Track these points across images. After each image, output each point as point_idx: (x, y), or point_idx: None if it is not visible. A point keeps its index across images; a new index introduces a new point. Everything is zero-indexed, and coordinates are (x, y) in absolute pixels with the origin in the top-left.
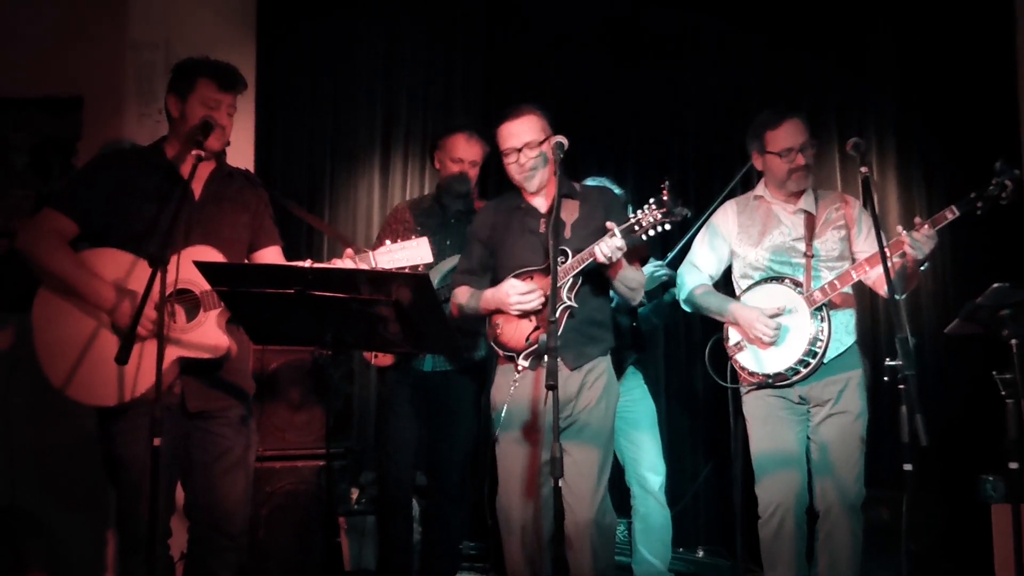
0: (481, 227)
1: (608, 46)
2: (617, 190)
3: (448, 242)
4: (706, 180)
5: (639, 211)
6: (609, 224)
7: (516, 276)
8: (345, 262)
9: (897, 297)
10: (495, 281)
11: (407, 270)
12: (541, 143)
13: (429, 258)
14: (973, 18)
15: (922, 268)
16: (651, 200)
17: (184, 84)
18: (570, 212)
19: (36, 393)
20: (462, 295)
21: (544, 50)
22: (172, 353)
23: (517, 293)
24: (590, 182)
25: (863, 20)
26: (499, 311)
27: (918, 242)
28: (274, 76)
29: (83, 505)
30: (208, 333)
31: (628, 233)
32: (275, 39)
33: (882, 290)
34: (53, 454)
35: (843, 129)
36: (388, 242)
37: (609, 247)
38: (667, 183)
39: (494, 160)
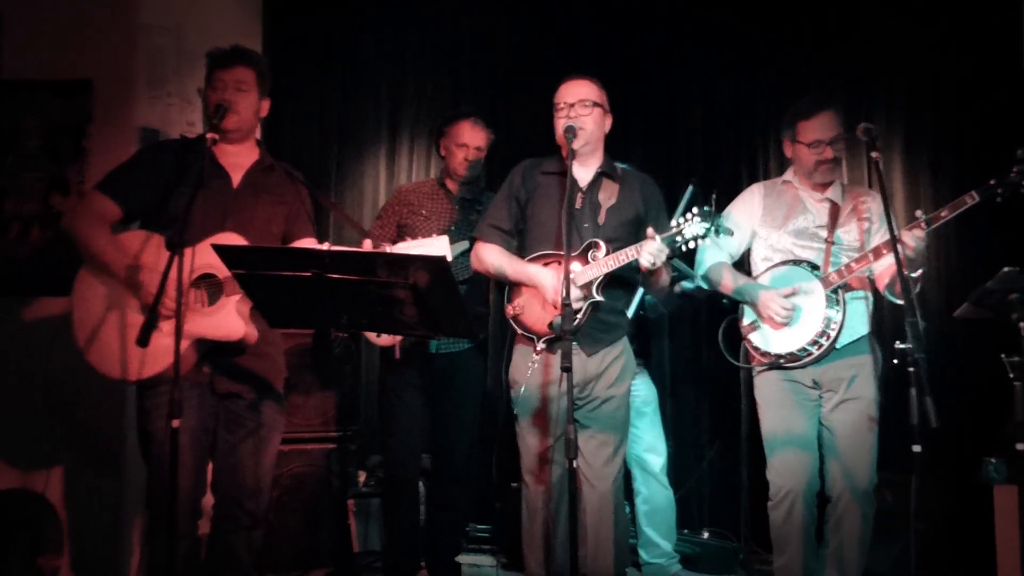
0: (521, 186)
1: (616, 34)
2: None
3: (453, 228)
4: (712, 168)
5: (682, 220)
6: (650, 231)
7: (541, 258)
8: None
9: (898, 301)
10: (522, 243)
11: None
12: (595, 105)
13: (448, 256)
14: (980, 5)
15: (915, 274)
16: (695, 210)
17: (206, 79)
18: (608, 194)
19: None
20: (492, 254)
21: (551, 39)
22: (191, 334)
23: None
24: None
25: (871, 7)
26: (523, 288)
27: (915, 239)
28: (282, 61)
29: (102, 486)
30: (226, 318)
31: (671, 242)
32: (283, 23)
33: (883, 283)
34: (75, 434)
35: (850, 116)
36: (408, 239)
37: (653, 254)
38: (713, 197)
39: (498, 153)
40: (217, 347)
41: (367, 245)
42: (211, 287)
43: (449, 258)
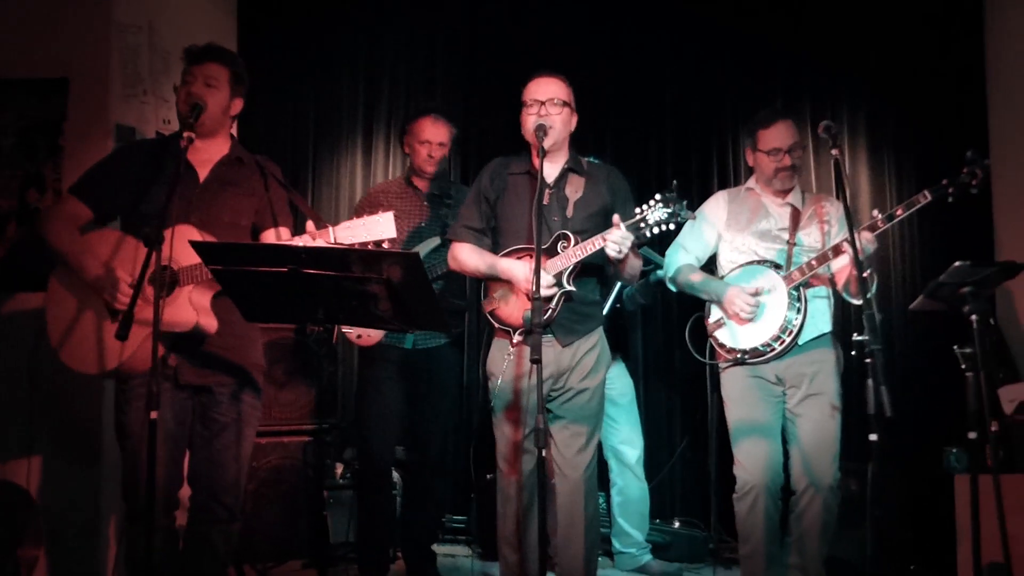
0: (489, 186)
1: (589, 30)
2: None
3: (424, 225)
4: (683, 161)
5: (645, 206)
6: (615, 218)
7: (513, 252)
8: (304, 238)
9: (855, 301)
10: (495, 240)
11: (386, 245)
12: (564, 104)
13: (392, 233)
14: (944, 6)
15: (865, 273)
16: (658, 196)
17: (181, 75)
18: (575, 188)
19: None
20: (468, 254)
21: (525, 35)
22: (145, 327)
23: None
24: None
25: (838, 9)
26: (498, 284)
27: (865, 242)
28: (256, 58)
29: (80, 478)
30: (178, 309)
31: (635, 229)
32: (258, 20)
33: (841, 282)
34: (53, 427)
35: (816, 113)
36: (355, 217)
37: (617, 242)
38: (675, 183)
39: (472, 147)
40: (180, 339)
41: (310, 227)
42: (167, 279)
43: (394, 234)
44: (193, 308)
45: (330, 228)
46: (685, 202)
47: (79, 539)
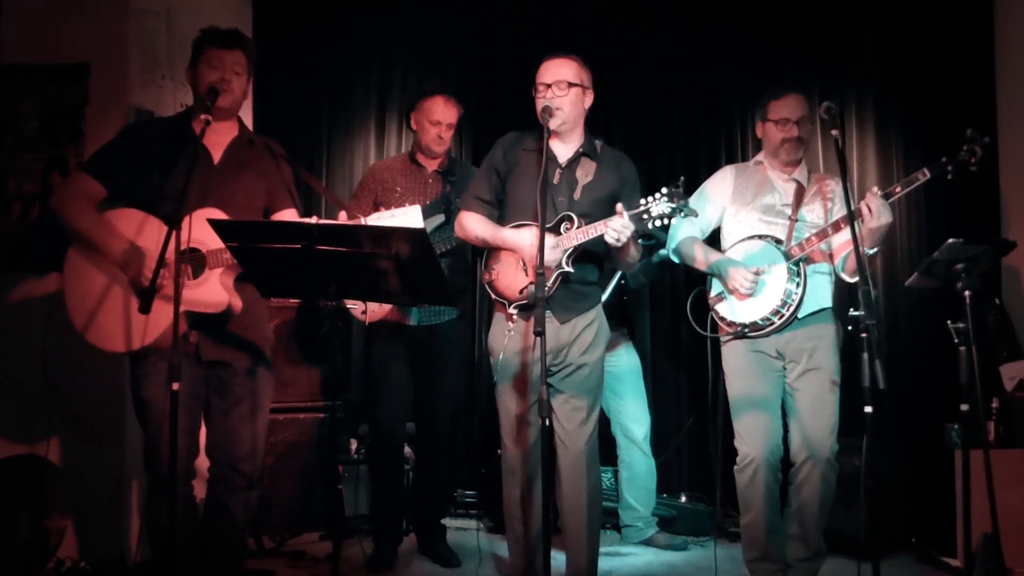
0: (502, 160)
1: (600, 14)
2: None
3: (427, 202)
4: (692, 147)
5: (650, 198)
6: (619, 207)
7: (517, 227)
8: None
9: (849, 280)
10: (501, 215)
11: None
12: (572, 86)
13: (419, 225)
14: None
15: (871, 252)
16: (663, 190)
17: (195, 55)
18: (585, 171)
19: (65, 343)
20: (476, 223)
21: (536, 17)
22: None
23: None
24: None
25: None
26: (498, 256)
27: (872, 209)
28: (271, 43)
29: (104, 452)
30: (210, 290)
31: (637, 219)
32: (271, 6)
33: (837, 258)
34: (76, 403)
35: (824, 96)
36: (383, 209)
37: (617, 230)
38: (682, 179)
39: (485, 128)
40: (204, 317)
41: (343, 217)
42: (194, 261)
43: (421, 226)
44: (224, 290)
45: (361, 219)
46: (690, 199)
47: (104, 510)
